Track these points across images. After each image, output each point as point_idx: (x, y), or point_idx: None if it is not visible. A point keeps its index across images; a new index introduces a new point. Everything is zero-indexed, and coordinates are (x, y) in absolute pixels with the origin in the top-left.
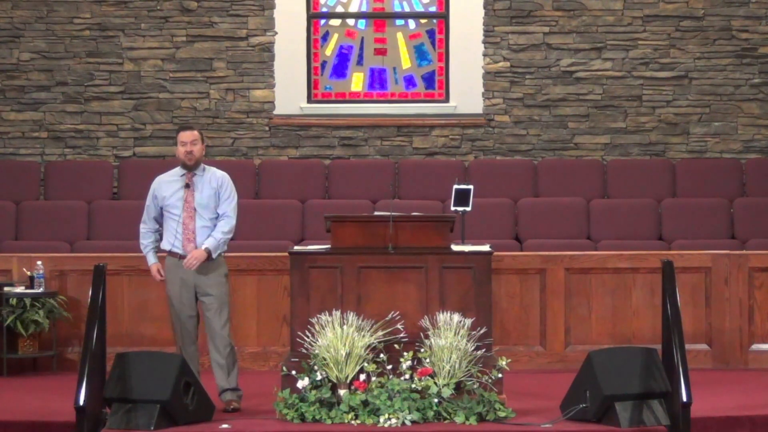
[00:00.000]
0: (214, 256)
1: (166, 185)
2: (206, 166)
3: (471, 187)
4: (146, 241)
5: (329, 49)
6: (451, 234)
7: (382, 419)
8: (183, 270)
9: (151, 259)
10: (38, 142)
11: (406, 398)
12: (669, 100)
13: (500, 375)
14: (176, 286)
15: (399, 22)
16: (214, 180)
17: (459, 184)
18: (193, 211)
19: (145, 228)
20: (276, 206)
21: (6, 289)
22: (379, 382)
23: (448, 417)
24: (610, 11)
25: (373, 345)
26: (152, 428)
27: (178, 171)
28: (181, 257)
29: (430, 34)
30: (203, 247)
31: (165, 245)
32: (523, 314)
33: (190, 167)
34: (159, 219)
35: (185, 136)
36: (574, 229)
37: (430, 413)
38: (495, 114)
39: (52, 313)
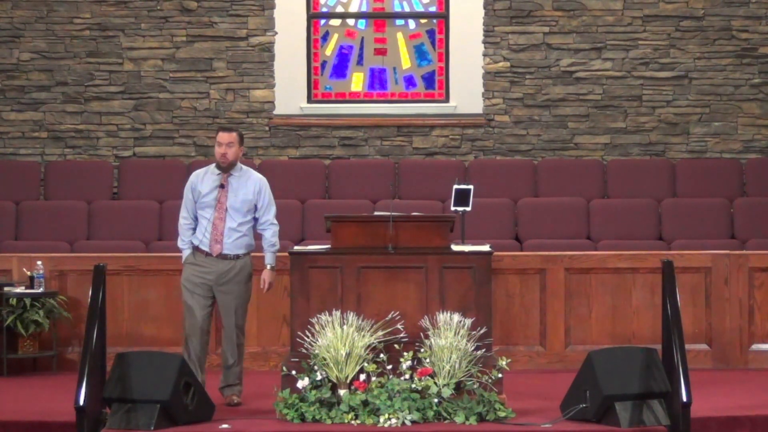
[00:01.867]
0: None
1: (204, 181)
2: (243, 167)
3: (471, 187)
4: (186, 237)
5: (329, 49)
6: (451, 234)
7: (382, 419)
8: (205, 268)
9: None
10: (38, 142)
11: (406, 398)
12: (669, 100)
13: (500, 375)
14: (191, 282)
15: (399, 22)
16: (251, 183)
17: (459, 184)
18: (224, 213)
19: (186, 224)
20: (276, 206)
21: (6, 289)
22: (379, 382)
23: (448, 417)
24: (610, 11)
25: (373, 345)
26: (152, 428)
27: (215, 169)
28: (207, 254)
29: (430, 34)
30: (268, 267)
31: (194, 240)
32: (523, 314)
33: (224, 168)
34: (196, 213)
35: (222, 137)
36: (574, 229)
37: (430, 413)
38: (495, 114)
39: (52, 313)
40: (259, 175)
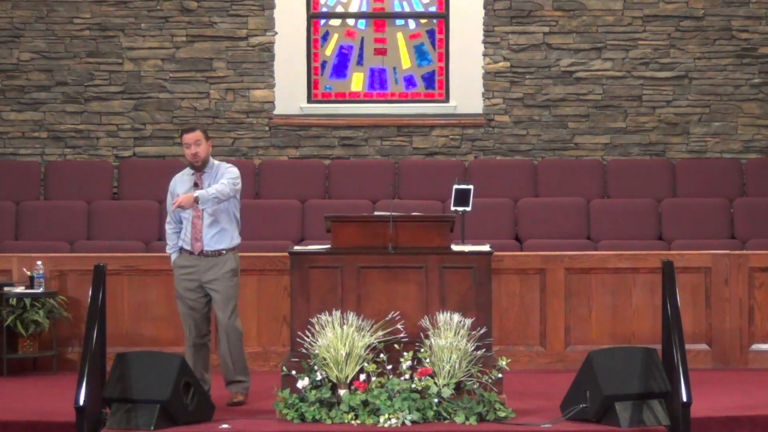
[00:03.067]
0: (200, 203)
1: (180, 184)
2: (215, 162)
3: (471, 187)
4: (171, 242)
5: (329, 49)
6: (451, 234)
7: (382, 419)
8: (190, 267)
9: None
10: (38, 142)
11: (406, 398)
12: (669, 100)
13: (500, 375)
14: (183, 282)
15: (399, 22)
16: (220, 173)
17: (459, 184)
18: (200, 210)
19: (170, 228)
20: (276, 206)
21: (6, 289)
22: (379, 382)
23: (448, 417)
24: (610, 11)
25: (373, 345)
26: (152, 428)
27: (189, 170)
28: (190, 253)
29: (430, 34)
30: (192, 193)
31: (179, 242)
32: (523, 314)
33: (198, 167)
34: (179, 217)
35: (188, 138)
36: (574, 229)
37: (430, 413)
38: (495, 114)
39: (52, 313)
40: (231, 165)
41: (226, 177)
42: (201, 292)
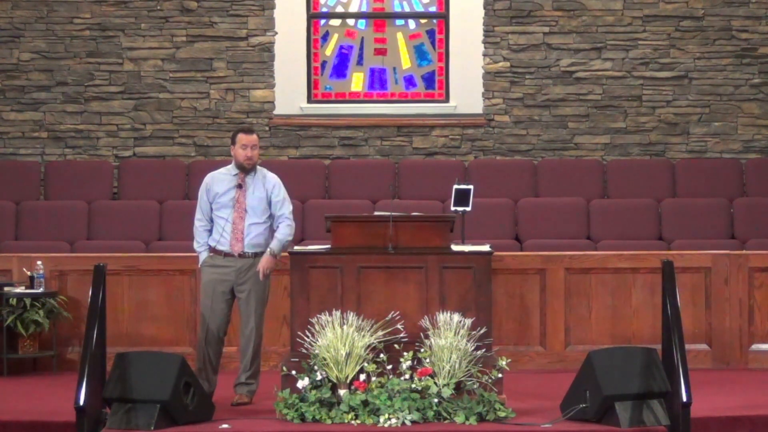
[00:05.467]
0: (278, 257)
1: (219, 182)
2: (258, 167)
3: (471, 187)
4: (202, 240)
5: (329, 49)
6: (451, 234)
7: (382, 419)
8: (224, 267)
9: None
10: (38, 142)
11: (406, 398)
12: (669, 100)
13: (500, 375)
14: (212, 283)
15: (399, 22)
16: (266, 182)
17: (459, 184)
18: (243, 212)
19: (202, 226)
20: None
21: (6, 289)
22: (379, 382)
23: (448, 417)
24: (610, 11)
25: (373, 345)
26: (152, 428)
27: (231, 170)
28: (226, 255)
29: (430, 34)
30: (268, 251)
31: (210, 241)
32: (523, 314)
33: (248, 170)
34: (211, 215)
35: (248, 139)
36: (574, 229)
37: (430, 413)
38: (495, 114)
39: (52, 313)
40: (273, 174)
41: (280, 200)
42: (230, 294)
